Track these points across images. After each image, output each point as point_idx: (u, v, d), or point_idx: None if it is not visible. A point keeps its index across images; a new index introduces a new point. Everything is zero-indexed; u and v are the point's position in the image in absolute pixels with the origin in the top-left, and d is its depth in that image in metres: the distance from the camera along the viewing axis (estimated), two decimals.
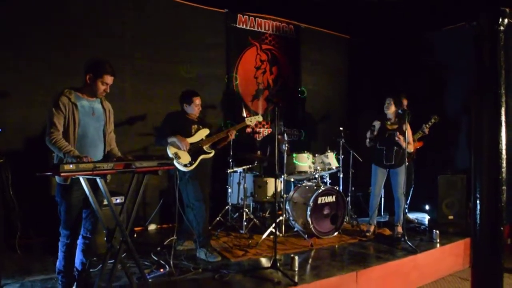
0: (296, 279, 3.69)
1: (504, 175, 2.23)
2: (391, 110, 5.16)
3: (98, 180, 2.91)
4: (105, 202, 3.62)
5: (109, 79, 3.25)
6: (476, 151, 2.31)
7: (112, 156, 3.30)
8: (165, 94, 5.77)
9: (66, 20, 5.13)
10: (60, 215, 3.19)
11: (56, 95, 3.14)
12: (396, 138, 4.97)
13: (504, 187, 2.24)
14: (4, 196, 4.28)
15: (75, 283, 3.34)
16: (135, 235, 5.19)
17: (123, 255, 3.39)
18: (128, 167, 3.07)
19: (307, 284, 3.60)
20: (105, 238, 3.11)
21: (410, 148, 5.12)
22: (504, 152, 2.22)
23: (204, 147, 4.52)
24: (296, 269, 3.92)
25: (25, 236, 4.50)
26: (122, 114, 5.57)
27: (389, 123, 5.18)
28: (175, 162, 4.27)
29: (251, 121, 4.99)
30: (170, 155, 4.30)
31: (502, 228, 2.27)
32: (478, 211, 2.29)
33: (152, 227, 5.73)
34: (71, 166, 2.71)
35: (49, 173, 2.76)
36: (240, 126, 4.91)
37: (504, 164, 2.23)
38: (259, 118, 5.09)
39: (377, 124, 5.21)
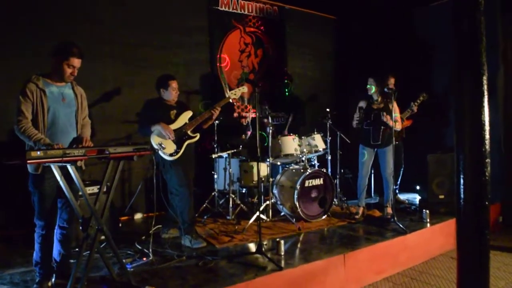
0: (282, 263, 3.60)
1: (487, 147, 2.12)
2: (372, 91, 5.07)
3: (69, 167, 2.79)
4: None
5: (75, 62, 3.10)
6: (458, 122, 2.20)
7: (79, 139, 3.16)
8: (147, 79, 5.56)
9: (42, 6, 4.94)
10: (34, 205, 3.08)
11: (24, 82, 3.00)
12: (383, 118, 4.89)
13: (488, 160, 2.13)
14: None
15: (54, 275, 3.25)
16: (120, 225, 5.07)
17: (102, 246, 3.32)
18: (101, 153, 2.94)
19: (293, 268, 3.52)
20: (80, 227, 3.01)
21: (398, 127, 5.02)
22: (487, 123, 2.12)
23: (188, 132, 4.35)
24: (282, 254, 3.84)
25: (5, 228, 4.38)
26: (104, 101, 5.44)
27: (375, 102, 5.08)
28: (160, 153, 4.15)
29: (235, 93, 4.68)
30: (155, 146, 4.14)
31: (487, 203, 2.18)
32: (461, 186, 2.19)
33: (138, 216, 5.63)
34: (38, 153, 2.59)
35: (16, 162, 2.64)
36: (224, 102, 4.62)
37: (487, 136, 2.12)
38: (244, 89, 4.79)
39: (363, 104, 5.11)
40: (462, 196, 2.20)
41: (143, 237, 4.48)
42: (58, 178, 2.81)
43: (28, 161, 2.53)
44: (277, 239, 3.96)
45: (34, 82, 2.99)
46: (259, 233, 3.81)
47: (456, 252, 2.35)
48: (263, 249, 3.77)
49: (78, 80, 5.29)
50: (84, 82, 5.20)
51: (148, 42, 5.74)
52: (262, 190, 5.39)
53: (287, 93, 7.18)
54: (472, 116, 2.15)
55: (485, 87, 2.11)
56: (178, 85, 4.48)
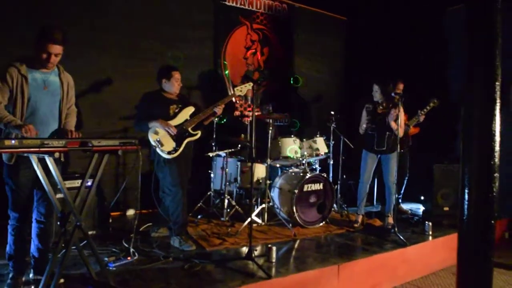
0: (273, 271, 3.43)
1: (497, 160, 1.92)
2: (376, 97, 4.89)
3: (46, 158, 2.62)
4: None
5: (53, 48, 2.84)
6: (465, 131, 2.00)
7: (64, 131, 3.00)
8: (148, 73, 5.41)
9: None
10: (8, 196, 2.92)
11: (6, 65, 2.83)
12: (389, 118, 4.67)
13: (496, 174, 1.93)
14: None
15: (32, 270, 3.10)
16: (110, 220, 4.92)
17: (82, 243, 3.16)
18: (84, 145, 2.78)
19: (283, 277, 3.32)
20: (58, 223, 2.86)
21: (400, 132, 4.82)
22: (498, 133, 1.92)
23: (189, 129, 4.13)
24: (274, 261, 3.64)
25: None
26: (102, 93, 5.29)
27: (380, 107, 4.88)
28: (158, 150, 3.95)
29: (241, 90, 4.40)
30: (152, 143, 3.95)
31: (493, 222, 1.98)
32: (466, 202, 1.99)
33: (130, 212, 5.47)
34: (13, 141, 2.42)
35: None
36: (228, 98, 4.44)
37: (497, 148, 1.92)
38: (250, 85, 4.42)
39: (369, 107, 4.93)
40: (465, 212, 2.00)
41: (131, 235, 4.32)
42: (37, 169, 2.64)
43: (1, 150, 2.36)
44: (269, 245, 3.76)
45: (16, 67, 2.81)
46: (250, 238, 3.64)
47: (456, 272, 2.15)
48: (253, 255, 3.58)
49: (77, 70, 5.12)
50: (82, 72, 5.12)
51: (151, 34, 5.58)
52: (259, 192, 5.22)
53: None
54: (481, 125, 1.95)
55: (498, 94, 1.91)
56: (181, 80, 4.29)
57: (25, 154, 2.61)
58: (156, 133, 3.99)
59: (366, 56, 7.06)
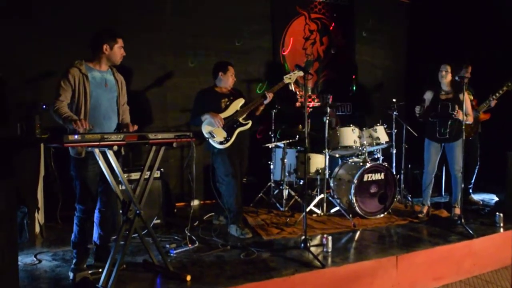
0: (329, 261, 3.43)
1: None
2: (447, 79, 4.61)
3: (106, 151, 2.82)
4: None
5: (122, 42, 3.20)
6: None
7: (124, 125, 3.23)
8: (208, 68, 5.58)
9: None
10: (75, 190, 3.12)
11: (67, 67, 3.05)
12: (454, 114, 4.42)
13: None
14: (47, 169, 4.43)
15: (93, 256, 3.35)
16: (175, 210, 5.18)
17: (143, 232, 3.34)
18: (142, 139, 2.97)
19: (337, 267, 3.31)
20: (120, 211, 3.07)
21: (470, 120, 4.54)
22: None
23: (240, 119, 4.27)
24: (330, 251, 3.64)
25: (66, 207, 4.62)
26: (165, 90, 5.55)
27: (443, 92, 4.63)
28: (211, 141, 4.15)
29: (291, 78, 4.35)
30: (205, 135, 4.16)
31: None
32: None
33: (195, 202, 5.68)
34: (76, 136, 2.63)
35: (55, 144, 2.73)
36: (278, 87, 4.39)
37: None
38: (299, 73, 4.32)
39: (429, 95, 4.70)
40: None
41: (195, 223, 4.53)
42: (99, 161, 2.84)
43: (65, 144, 2.58)
44: (325, 235, 3.76)
45: (77, 66, 3.04)
46: (305, 228, 3.65)
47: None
48: (308, 244, 3.59)
49: (139, 68, 5.40)
50: (145, 70, 5.40)
51: (209, 30, 5.72)
52: (319, 183, 5.20)
53: (354, 89, 6.83)
54: None
55: None
56: (240, 73, 4.42)
57: (89, 149, 2.84)
58: (209, 125, 4.18)
59: (430, 41, 6.68)
